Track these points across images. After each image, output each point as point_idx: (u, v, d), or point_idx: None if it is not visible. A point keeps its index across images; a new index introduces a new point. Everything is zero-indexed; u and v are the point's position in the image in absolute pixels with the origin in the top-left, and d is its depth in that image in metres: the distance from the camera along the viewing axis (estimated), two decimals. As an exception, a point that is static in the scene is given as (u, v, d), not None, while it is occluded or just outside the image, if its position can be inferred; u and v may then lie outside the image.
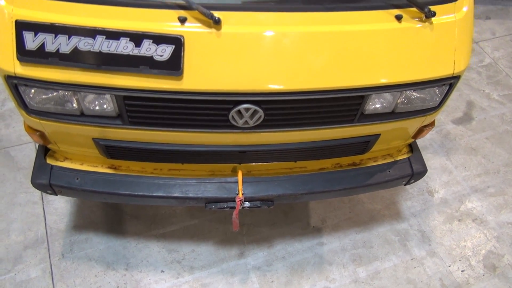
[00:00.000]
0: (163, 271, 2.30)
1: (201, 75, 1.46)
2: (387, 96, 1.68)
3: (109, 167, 1.95)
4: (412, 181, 2.13)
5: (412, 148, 2.18)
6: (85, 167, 1.93)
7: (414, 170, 2.07)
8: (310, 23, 1.50)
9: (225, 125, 1.61)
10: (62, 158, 1.96)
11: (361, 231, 2.54)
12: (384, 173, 2.05)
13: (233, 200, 1.86)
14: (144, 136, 1.69)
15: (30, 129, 1.77)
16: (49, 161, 1.94)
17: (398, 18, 1.55)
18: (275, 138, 1.74)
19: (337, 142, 1.83)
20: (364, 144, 1.91)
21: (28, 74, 1.44)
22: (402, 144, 2.11)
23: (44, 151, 1.95)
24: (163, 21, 1.43)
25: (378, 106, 1.72)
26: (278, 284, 2.30)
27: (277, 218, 2.55)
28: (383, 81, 1.57)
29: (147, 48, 1.40)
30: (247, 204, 1.91)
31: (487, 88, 3.45)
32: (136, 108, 1.55)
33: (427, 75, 1.61)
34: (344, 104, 1.63)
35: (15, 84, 1.49)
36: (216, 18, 1.41)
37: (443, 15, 1.61)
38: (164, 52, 1.41)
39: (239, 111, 1.54)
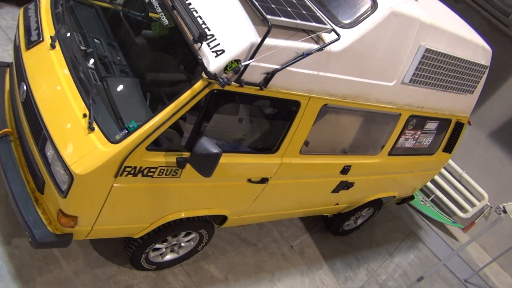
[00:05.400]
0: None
1: (31, 54, 2.92)
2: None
3: None
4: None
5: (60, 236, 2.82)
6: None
7: (35, 233, 2.72)
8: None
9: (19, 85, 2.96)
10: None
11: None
12: (27, 208, 2.79)
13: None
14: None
15: None
16: None
17: None
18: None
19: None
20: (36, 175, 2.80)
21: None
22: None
23: None
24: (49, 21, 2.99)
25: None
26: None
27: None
28: None
29: (37, 31, 2.99)
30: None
31: None
32: None
33: None
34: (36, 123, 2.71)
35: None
36: (54, 45, 2.89)
37: None
38: (35, 37, 2.97)
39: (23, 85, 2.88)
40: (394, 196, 5.22)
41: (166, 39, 3.22)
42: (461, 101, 4.45)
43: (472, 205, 6.97)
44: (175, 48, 3.05)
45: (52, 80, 2.78)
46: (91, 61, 2.99)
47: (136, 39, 3.29)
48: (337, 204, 4.55)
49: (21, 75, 2.93)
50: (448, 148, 4.99)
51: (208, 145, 2.54)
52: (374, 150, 4.10)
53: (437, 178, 7.14)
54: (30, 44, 2.95)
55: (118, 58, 3.10)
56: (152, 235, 3.23)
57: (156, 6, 2.90)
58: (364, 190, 4.57)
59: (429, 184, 7.18)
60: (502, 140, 6.74)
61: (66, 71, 2.79)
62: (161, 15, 2.85)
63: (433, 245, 6.43)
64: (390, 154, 4.24)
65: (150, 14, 3.42)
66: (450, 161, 6.99)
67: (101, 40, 3.16)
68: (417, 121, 4.20)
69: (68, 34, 3.05)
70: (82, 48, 3.02)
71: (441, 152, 4.97)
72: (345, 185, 4.16)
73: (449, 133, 4.82)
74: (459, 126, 4.78)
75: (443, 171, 7.10)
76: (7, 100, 3.30)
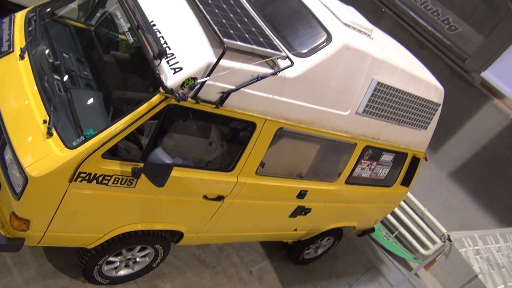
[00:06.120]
0: None
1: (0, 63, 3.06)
2: None
3: None
4: None
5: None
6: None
7: None
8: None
9: None
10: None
11: None
12: None
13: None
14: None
15: None
16: None
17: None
18: None
19: None
20: None
21: None
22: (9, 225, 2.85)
23: None
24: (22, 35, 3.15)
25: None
26: None
27: None
28: None
29: (9, 43, 3.14)
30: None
31: None
32: None
33: None
34: None
35: None
36: (23, 56, 3.04)
37: None
38: (6, 48, 3.12)
39: None
40: (354, 227, 5.36)
41: (132, 57, 3.42)
42: (416, 136, 4.70)
43: (433, 242, 7.15)
44: (139, 66, 3.24)
45: (17, 88, 2.91)
46: (58, 73, 3.13)
47: (104, 56, 3.47)
48: (295, 230, 4.66)
49: None
50: (406, 182, 5.19)
51: (161, 155, 2.68)
52: (331, 177, 4.28)
53: (400, 214, 7.32)
54: (0, 54, 3.09)
55: (85, 72, 3.26)
56: (105, 246, 3.29)
57: (124, 26, 3.10)
58: (322, 217, 4.70)
59: (393, 220, 7.35)
60: (461, 180, 7.02)
61: (32, 80, 2.93)
62: (127, 34, 3.05)
63: (393, 280, 6.53)
64: (347, 182, 4.42)
65: (120, 37, 3.63)
66: (413, 198, 7.21)
67: (70, 55, 3.33)
68: (373, 152, 4.41)
69: (38, 47, 3.20)
70: (50, 60, 3.17)
71: (399, 185, 5.17)
72: (302, 211, 4.29)
73: (406, 167, 5.04)
74: (415, 161, 5.00)
75: (406, 207, 7.30)
76: None
